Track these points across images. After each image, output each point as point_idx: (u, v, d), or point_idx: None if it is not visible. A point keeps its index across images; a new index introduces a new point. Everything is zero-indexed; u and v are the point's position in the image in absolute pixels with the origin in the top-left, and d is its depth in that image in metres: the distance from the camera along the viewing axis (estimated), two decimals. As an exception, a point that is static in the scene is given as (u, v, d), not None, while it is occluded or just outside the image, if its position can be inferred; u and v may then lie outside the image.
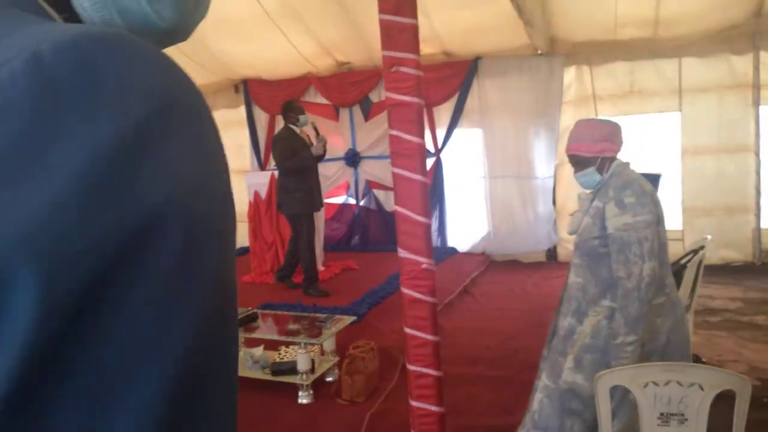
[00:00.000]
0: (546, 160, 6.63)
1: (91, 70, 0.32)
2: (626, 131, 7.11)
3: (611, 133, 2.31)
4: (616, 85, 6.38)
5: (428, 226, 2.45)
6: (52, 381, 0.30)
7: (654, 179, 5.26)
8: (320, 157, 5.59)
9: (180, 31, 0.50)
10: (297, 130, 5.50)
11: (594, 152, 2.27)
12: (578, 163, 2.32)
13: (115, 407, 0.31)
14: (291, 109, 5.49)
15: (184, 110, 0.36)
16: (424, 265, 2.43)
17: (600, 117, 6.51)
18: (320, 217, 5.83)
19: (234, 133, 8.11)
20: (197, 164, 0.36)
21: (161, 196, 0.32)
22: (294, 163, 5.38)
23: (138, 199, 0.31)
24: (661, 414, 1.93)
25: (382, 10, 2.34)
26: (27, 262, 0.29)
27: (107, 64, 0.33)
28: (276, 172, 5.88)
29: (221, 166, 0.39)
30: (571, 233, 2.37)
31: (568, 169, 6.62)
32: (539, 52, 6.38)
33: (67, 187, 0.29)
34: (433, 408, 2.49)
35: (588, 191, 2.37)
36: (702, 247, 3.68)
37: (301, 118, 5.46)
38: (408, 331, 2.48)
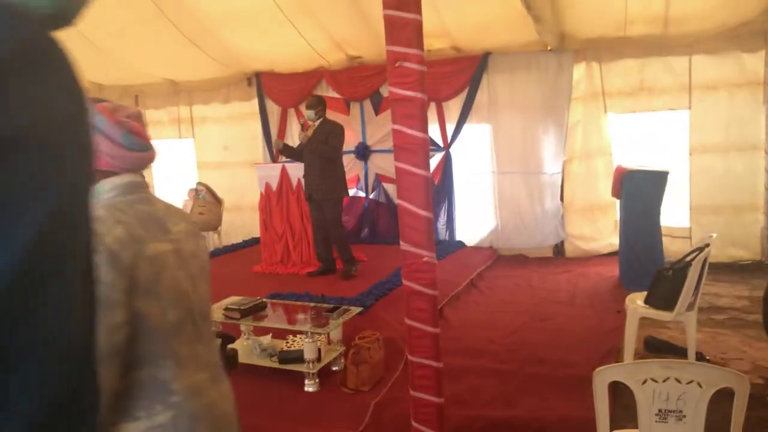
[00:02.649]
0: (554, 156, 6.65)
1: None
2: (635, 128, 7.04)
3: None
4: (625, 82, 6.37)
5: (430, 220, 2.50)
6: None
7: (661, 177, 5.29)
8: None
9: (63, 17, 0.55)
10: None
11: None
12: None
13: None
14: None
15: (34, 55, 0.43)
16: (425, 258, 2.48)
17: (609, 114, 6.52)
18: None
19: (246, 125, 8.20)
20: (51, 98, 0.44)
21: (19, 120, 0.40)
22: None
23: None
24: (660, 410, 1.94)
25: (386, 5, 2.39)
26: None
27: None
28: (290, 165, 6.08)
29: (75, 100, 0.46)
30: None
31: (577, 165, 6.72)
32: (548, 48, 6.38)
33: None
34: (433, 399, 2.54)
35: None
36: (707, 245, 3.68)
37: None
38: (409, 322, 2.53)
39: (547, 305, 5.20)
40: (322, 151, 5.59)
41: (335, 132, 5.62)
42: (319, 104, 5.74)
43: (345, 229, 5.79)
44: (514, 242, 6.99)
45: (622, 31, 5.98)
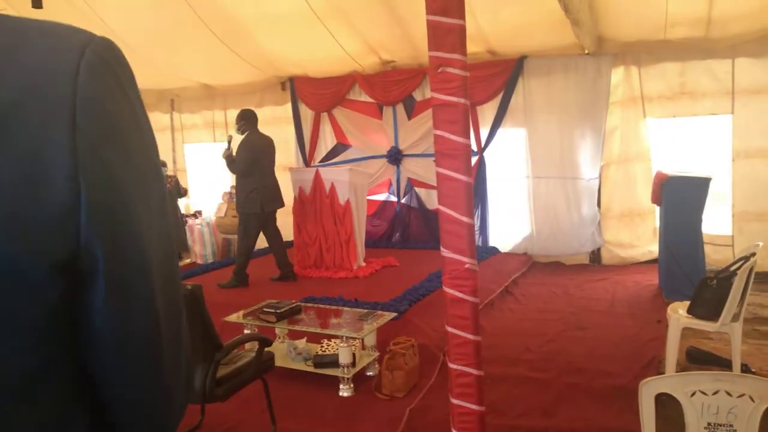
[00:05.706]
0: (591, 161, 6.55)
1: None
2: (675, 133, 6.88)
3: None
4: (665, 86, 6.24)
5: (471, 227, 2.47)
6: None
7: (703, 183, 5.16)
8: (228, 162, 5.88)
9: None
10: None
11: None
12: None
13: None
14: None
15: None
16: (466, 265, 2.45)
17: (648, 119, 6.40)
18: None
19: (280, 129, 8.25)
20: None
21: None
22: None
23: None
24: (709, 424, 1.87)
25: (429, 11, 2.36)
26: None
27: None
28: (324, 169, 6.08)
29: None
30: None
31: (614, 170, 6.60)
32: (586, 51, 6.29)
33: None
34: (474, 407, 2.51)
35: None
36: (753, 254, 3.57)
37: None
38: (450, 329, 2.50)
39: (584, 314, 5.10)
40: (231, 167, 5.80)
41: (239, 149, 5.70)
42: (242, 119, 5.78)
43: (249, 247, 5.93)
44: (549, 249, 6.89)
45: (662, 34, 5.85)
